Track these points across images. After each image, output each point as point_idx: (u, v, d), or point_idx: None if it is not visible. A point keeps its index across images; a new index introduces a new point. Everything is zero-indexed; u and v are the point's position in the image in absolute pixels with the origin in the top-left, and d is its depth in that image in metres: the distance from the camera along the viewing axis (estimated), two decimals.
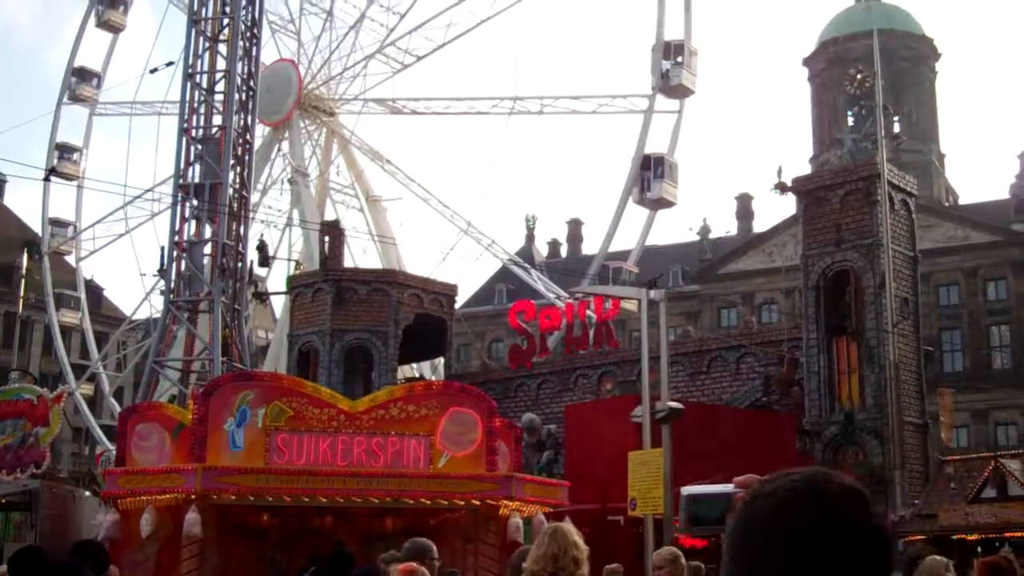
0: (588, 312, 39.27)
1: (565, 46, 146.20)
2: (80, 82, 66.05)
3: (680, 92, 49.27)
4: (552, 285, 53.48)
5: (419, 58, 57.13)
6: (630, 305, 39.63)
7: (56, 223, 66.07)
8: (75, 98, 65.97)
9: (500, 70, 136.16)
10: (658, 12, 49.69)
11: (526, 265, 58.69)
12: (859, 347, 32.93)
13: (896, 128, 71.85)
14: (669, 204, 48.75)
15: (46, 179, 57.28)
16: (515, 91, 53.94)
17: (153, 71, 49.71)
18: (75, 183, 64.35)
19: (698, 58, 49.75)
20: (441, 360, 48.43)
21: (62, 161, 62.78)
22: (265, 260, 43.08)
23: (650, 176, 47.64)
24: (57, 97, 66.44)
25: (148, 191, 58.44)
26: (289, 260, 52.33)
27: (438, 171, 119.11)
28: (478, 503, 20.63)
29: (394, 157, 59.01)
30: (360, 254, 56.27)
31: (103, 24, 65.85)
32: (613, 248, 51.19)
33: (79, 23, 67.79)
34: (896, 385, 31.67)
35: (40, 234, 67.44)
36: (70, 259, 67.93)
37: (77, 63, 66.72)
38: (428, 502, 20.39)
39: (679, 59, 48.81)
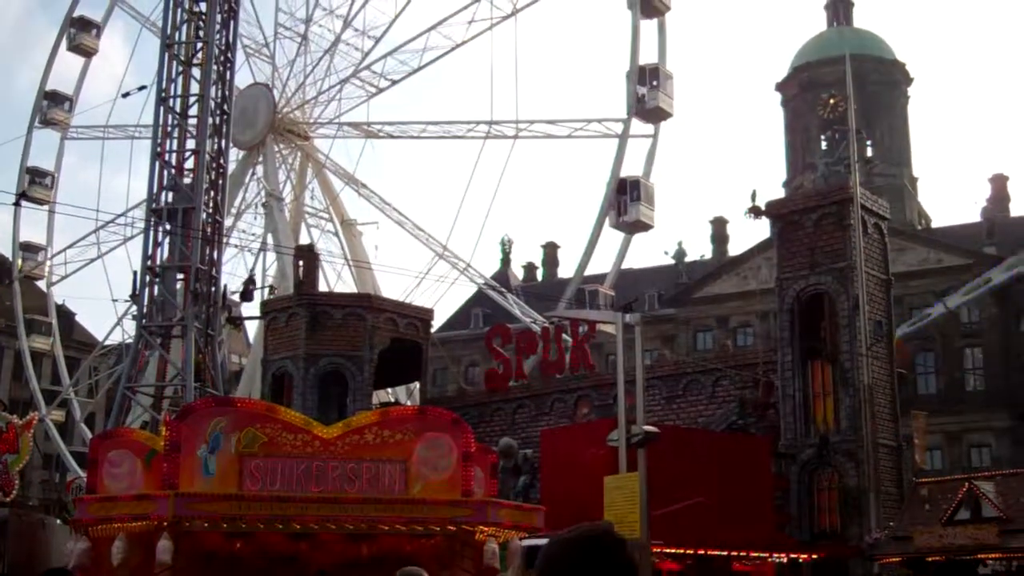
0: (564, 336, 39.25)
1: (541, 69, 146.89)
2: (52, 106, 65.77)
3: (656, 115, 49.46)
4: (528, 309, 53.45)
5: (394, 82, 57.21)
6: (607, 328, 39.57)
7: (27, 247, 65.57)
8: (47, 122, 65.65)
9: (476, 93, 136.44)
10: (632, 37, 49.94)
11: (501, 289, 58.61)
12: (834, 370, 33.03)
13: (869, 152, 72.46)
14: (646, 227, 48.82)
15: (16, 203, 56.90)
16: (490, 115, 54.04)
17: (126, 95, 49.61)
18: (46, 207, 64.06)
19: (673, 82, 49.99)
20: (417, 385, 48.26)
21: (33, 185, 62.42)
22: (248, 295, 42.84)
23: (626, 199, 47.73)
24: (28, 121, 66.12)
25: (121, 215, 58.19)
26: (262, 287, 52.09)
27: (413, 194, 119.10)
28: (454, 529, 20.48)
29: (369, 181, 59.11)
30: (334, 278, 56.18)
31: (75, 48, 65.70)
32: (589, 272, 51.16)
33: (51, 46, 67.62)
34: (870, 408, 31.77)
35: (10, 259, 66.91)
36: (41, 284, 67.40)
37: (49, 87, 66.45)
38: (404, 528, 20.22)
39: (654, 83, 49.03)
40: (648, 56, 50.07)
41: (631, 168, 49.16)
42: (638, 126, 49.77)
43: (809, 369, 33.54)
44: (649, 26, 50.67)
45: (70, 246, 64.06)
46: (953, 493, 29.06)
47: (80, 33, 65.38)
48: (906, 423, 35.25)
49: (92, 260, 62.55)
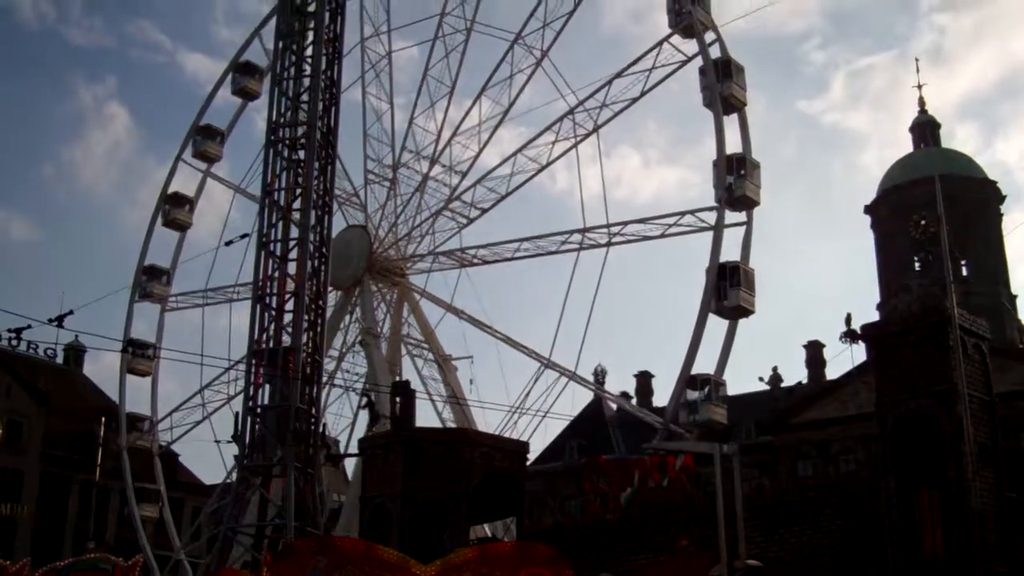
0: (662, 465, 38.90)
1: (625, 175, 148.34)
2: (150, 280, 67.94)
3: (745, 203, 49.95)
4: (648, 413, 52.65)
5: (484, 211, 58.56)
6: (718, 414, 39.60)
7: (133, 417, 66.89)
8: (146, 295, 67.66)
9: (566, 204, 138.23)
10: (716, 130, 50.83)
11: (615, 396, 57.67)
12: (940, 496, 32.12)
13: (964, 272, 71.49)
14: (746, 312, 48.62)
15: (124, 350, 58.77)
16: (583, 223, 54.78)
17: (228, 243, 51.64)
18: (149, 377, 66.08)
19: (760, 171, 50.60)
20: (514, 519, 47.96)
21: (136, 358, 64.47)
22: (375, 416, 43.49)
23: (726, 285, 47.82)
24: (129, 295, 68.02)
25: (223, 373, 59.43)
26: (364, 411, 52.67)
27: (513, 314, 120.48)
28: None
29: (467, 306, 59.39)
30: (442, 406, 56.71)
31: (170, 223, 68.33)
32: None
33: (148, 223, 70.10)
34: (981, 534, 30.77)
35: (116, 401, 68.59)
36: (145, 428, 68.48)
37: (147, 261, 68.70)
38: None
39: (741, 172, 49.64)
40: (732, 147, 51.00)
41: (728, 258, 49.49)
42: (731, 216, 50.35)
43: (915, 496, 32.66)
44: (730, 120, 51.79)
45: (175, 409, 65.56)
46: None
47: (174, 209, 68.19)
48: (1020, 549, 33.96)
49: (198, 423, 63.99)
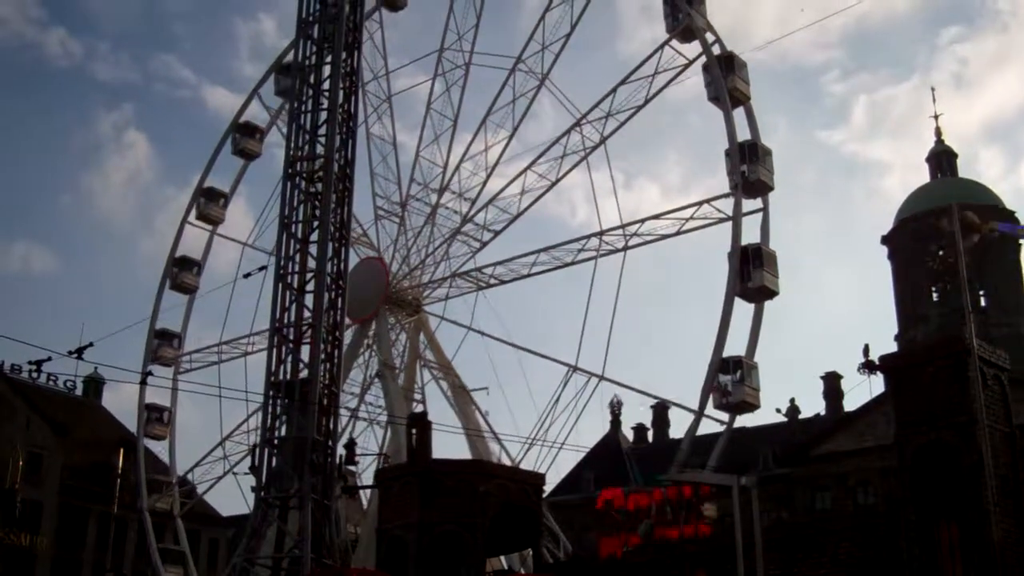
0: (679, 497, 38.75)
1: (646, 204, 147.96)
2: (162, 344, 67.98)
3: (760, 188, 50.02)
4: (676, 404, 52.32)
5: (496, 233, 58.34)
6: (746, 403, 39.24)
7: (153, 482, 66.82)
8: (157, 359, 67.60)
9: (580, 213, 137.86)
10: (725, 120, 51.00)
11: (644, 391, 57.25)
12: (961, 528, 31.90)
13: (982, 302, 71.17)
14: (771, 293, 48.47)
15: (143, 382, 58.83)
16: (599, 226, 54.70)
17: (247, 276, 51.65)
18: (165, 441, 66.19)
19: (771, 157, 50.76)
20: (530, 551, 47.77)
21: (151, 423, 64.73)
22: (352, 458, 43.50)
23: (749, 268, 47.74)
24: (142, 359, 67.59)
25: (243, 422, 59.43)
26: (379, 454, 52.66)
27: (534, 332, 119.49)
28: None
29: (487, 328, 58.79)
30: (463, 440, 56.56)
31: (177, 287, 68.49)
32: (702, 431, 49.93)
33: (157, 287, 69.83)
34: (1002, 565, 30.53)
35: (135, 433, 68.63)
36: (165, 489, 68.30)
37: (159, 326, 68.52)
38: None
39: (754, 158, 49.72)
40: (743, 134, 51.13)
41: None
42: (747, 204, 50.31)
43: (935, 528, 32.44)
44: (739, 115, 51.85)
45: (196, 464, 65.51)
46: None
47: (182, 272, 68.46)
48: None
49: (219, 478, 64.02)
